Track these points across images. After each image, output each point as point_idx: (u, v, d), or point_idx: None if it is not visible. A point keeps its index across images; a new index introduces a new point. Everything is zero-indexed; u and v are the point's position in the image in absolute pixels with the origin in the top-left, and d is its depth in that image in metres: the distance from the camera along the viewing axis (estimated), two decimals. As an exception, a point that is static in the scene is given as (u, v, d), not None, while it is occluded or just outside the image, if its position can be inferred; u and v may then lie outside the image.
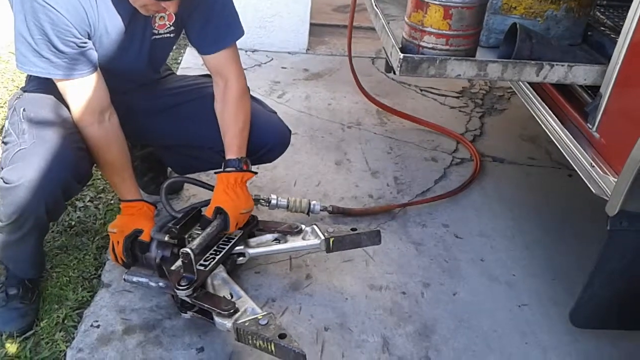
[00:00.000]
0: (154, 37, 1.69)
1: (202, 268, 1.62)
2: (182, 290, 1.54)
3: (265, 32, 3.59)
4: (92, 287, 1.80)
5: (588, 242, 2.06)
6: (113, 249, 1.73)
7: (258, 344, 1.40)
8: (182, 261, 1.57)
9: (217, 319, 1.49)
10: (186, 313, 1.62)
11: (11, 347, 1.58)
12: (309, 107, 3.02)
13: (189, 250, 1.55)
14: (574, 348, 1.71)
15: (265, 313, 1.46)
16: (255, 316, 1.45)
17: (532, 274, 1.98)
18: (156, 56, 1.80)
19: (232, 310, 1.48)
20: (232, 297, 1.58)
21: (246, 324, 1.43)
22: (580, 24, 1.77)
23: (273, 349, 1.37)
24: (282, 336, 1.36)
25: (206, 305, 1.52)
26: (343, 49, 3.73)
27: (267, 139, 1.88)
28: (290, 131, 1.96)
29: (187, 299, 1.56)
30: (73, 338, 1.61)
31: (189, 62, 3.38)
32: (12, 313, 1.66)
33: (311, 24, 3.70)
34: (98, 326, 1.65)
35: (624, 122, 1.46)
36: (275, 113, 1.99)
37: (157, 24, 1.66)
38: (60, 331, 1.64)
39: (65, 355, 1.56)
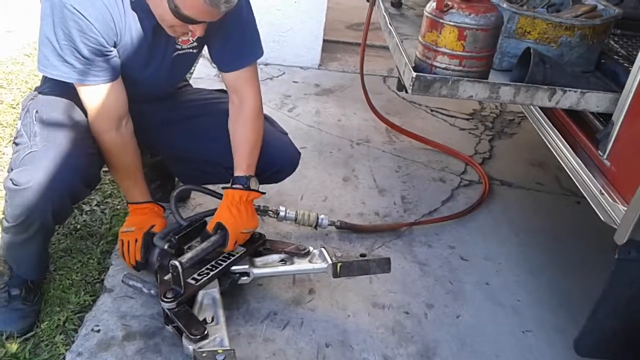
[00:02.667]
0: (176, 52, 1.70)
1: (192, 282, 1.61)
2: (166, 302, 1.54)
3: (279, 46, 3.62)
4: (95, 292, 1.79)
5: (594, 270, 2.03)
6: (127, 249, 1.73)
7: None
8: (171, 273, 1.56)
9: (184, 340, 1.48)
10: (168, 326, 1.61)
11: (11, 348, 1.57)
12: (318, 122, 3.03)
13: (177, 263, 1.54)
14: (577, 377, 1.69)
15: (228, 349, 1.43)
16: (216, 349, 1.42)
17: (537, 299, 1.97)
18: (177, 70, 1.83)
19: (199, 336, 1.46)
20: (212, 321, 1.55)
21: (203, 354, 1.40)
22: (594, 51, 1.78)
23: None
24: None
25: (179, 324, 1.51)
26: (355, 66, 3.75)
27: (276, 160, 1.88)
28: (299, 154, 1.96)
29: (168, 312, 1.55)
30: (73, 341, 1.61)
31: (202, 73, 3.40)
32: (14, 314, 1.66)
33: (324, 40, 3.73)
34: (98, 331, 1.64)
35: (635, 151, 1.45)
36: (287, 134, 1.99)
37: (180, 40, 1.68)
38: (60, 334, 1.63)
39: (64, 358, 1.56)
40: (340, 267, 1.73)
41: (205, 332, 1.47)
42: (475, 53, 1.53)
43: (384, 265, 1.79)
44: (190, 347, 1.44)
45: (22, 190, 1.47)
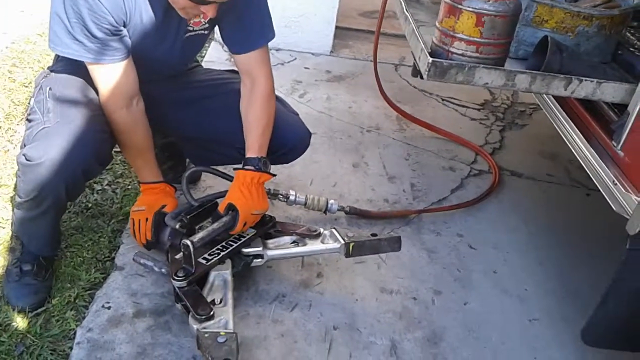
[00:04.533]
0: (188, 33, 1.70)
1: (203, 262, 1.62)
2: (177, 280, 1.55)
3: (291, 32, 3.61)
4: (105, 269, 1.81)
5: (603, 261, 2.03)
6: (138, 228, 1.74)
7: (207, 357, 1.37)
8: (182, 252, 1.58)
9: (190, 319, 1.49)
10: (178, 304, 1.62)
11: (22, 322, 1.59)
12: (329, 109, 3.02)
13: (189, 243, 1.56)
14: (582, 367, 1.70)
15: (230, 332, 1.43)
16: (219, 331, 1.43)
17: (544, 289, 1.97)
18: (188, 51, 1.82)
19: (204, 317, 1.46)
20: (220, 302, 1.56)
21: (206, 334, 1.41)
22: (611, 42, 1.76)
23: None
24: None
25: (187, 302, 1.52)
26: (367, 53, 3.74)
27: (287, 140, 1.88)
28: (310, 134, 1.96)
29: (178, 291, 1.56)
30: (84, 317, 1.63)
31: (213, 56, 3.40)
32: (25, 289, 1.67)
33: (337, 27, 3.71)
34: (109, 307, 1.66)
35: (650, 142, 1.45)
36: (297, 114, 1.99)
37: (192, 21, 1.67)
38: (71, 310, 1.65)
39: (75, 333, 1.57)
40: (352, 246, 1.74)
41: (211, 313, 1.48)
42: (492, 40, 1.52)
43: (395, 244, 1.81)
44: (195, 326, 1.45)
45: (35, 166, 1.48)
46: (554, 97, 1.92)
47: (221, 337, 1.39)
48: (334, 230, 1.79)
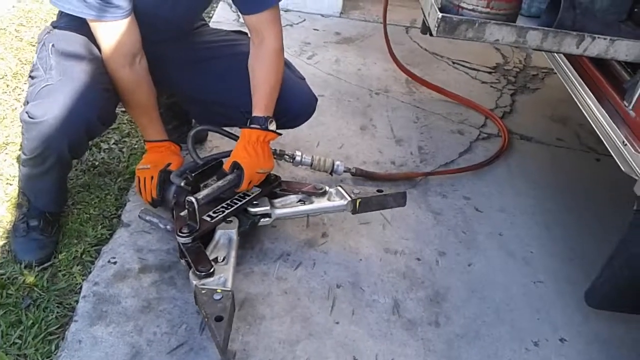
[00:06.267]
0: None
1: (208, 219, 1.63)
2: (182, 237, 1.56)
3: (300, -8, 3.55)
4: (112, 226, 1.82)
5: (609, 226, 2.03)
6: (143, 186, 1.75)
7: (202, 313, 1.38)
8: (187, 209, 1.58)
9: (190, 275, 1.49)
10: (182, 260, 1.63)
11: (29, 277, 1.61)
12: (337, 71, 2.98)
13: (193, 200, 1.55)
14: (585, 328, 1.70)
15: (227, 290, 1.42)
16: (216, 288, 1.42)
17: (549, 252, 1.96)
18: (193, 9, 1.79)
19: (204, 274, 1.46)
20: (223, 260, 1.56)
21: (203, 291, 1.41)
22: (627, -1, 1.71)
23: (208, 325, 1.35)
24: (219, 319, 1.33)
25: (189, 259, 1.52)
26: (377, 15, 3.67)
27: (294, 106, 1.85)
28: (316, 99, 1.94)
29: (182, 247, 1.57)
30: (90, 272, 1.64)
31: (221, 17, 3.36)
32: (32, 244, 1.69)
33: (347, -12, 3.65)
34: (115, 263, 1.67)
35: (663, 102, 1.42)
36: (304, 79, 1.96)
37: None
38: (77, 265, 1.67)
39: (81, 287, 1.59)
40: (359, 202, 1.75)
41: (211, 271, 1.48)
42: (503, -6, 1.48)
43: (400, 199, 1.81)
44: (194, 282, 1.46)
45: (38, 123, 1.48)
46: (566, 56, 1.88)
47: (217, 294, 1.40)
48: (339, 188, 1.78)
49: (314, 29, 3.44)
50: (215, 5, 3.46)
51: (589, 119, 1.67)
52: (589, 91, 1.70)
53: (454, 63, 3.23)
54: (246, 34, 1.98)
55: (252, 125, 1.72)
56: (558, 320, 1.71)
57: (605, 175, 2.39)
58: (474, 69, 3.19)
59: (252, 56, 1.77)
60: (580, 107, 1.73)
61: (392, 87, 2.90)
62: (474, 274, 1.83)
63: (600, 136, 1.59)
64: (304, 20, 3.53)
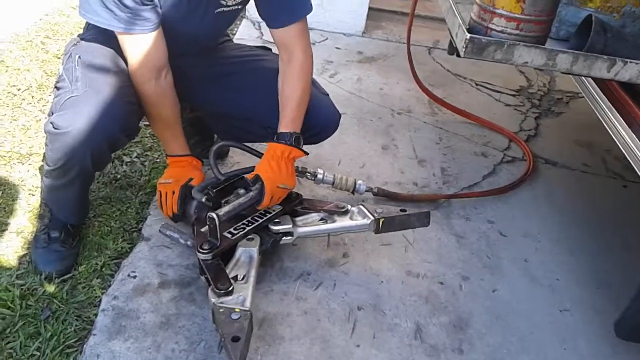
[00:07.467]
0: (220, 8, 1.67)
1: (228, 236, 1.61)
2: (202, 253, 1.54)
3: (323, 11, 3.56)
4: (132, 240, 1.81)
5: (637, 254, 1.98)
6: (165, 200, 1.74)
7: (219, 332, 1.35)
8: (208, 225, 1.57)
9: (209, 292, 1.47)
10: (202, 276, 1.61)
11: (49, 288, 1.61)
12: (359, 90, 2.98)
13: (214, 216, 1.54)
14: (613, 360, 1.65)
15: (246, 309, 1.40)
16: (234, 307, 1.40)
17: (576, 280, 1.91)
18: (219, 25, 1.79)
19: (223, 292, 1.44)
20: (242, 279, 1.54)
21: (220, 309, 1.39)
22: (660, 23, 1.68)
23: (225, 345, 1.32)
24: (235, 339, 1.30)
25: (209, 276, 1.50)
26: (400, 35, 3.68)
27: (317, 121, 1.84)
28: (340, 115, 1.93)
29: (202, 264, 1.55)
30: (109, 285, 1.63)
31: (244, 34, 3.38)
32: (53, 255, 1.69)
33: (369, 8, 3.65)
34: (135, 277, 1.66)
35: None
36: (327, 95, 1.95)
37: None
38: (97, 277, 1.66)
39: (100, 300, 1.58)
40: (382, 222, 1.72)
41: (230, 289, 1.46)
42: (534, 17, 1.46)
43: (424, 219, 1.78)
44: (212, 300, 1.44)
45: (62, 134, 1.48)
46: (595, 80, 1.85)
47: (235, 313, 1.37)
48: (362, 207, 1.76)
49: (336, 48, 3.45)
50: (238, 23, 3.49)
51: (618, 144, 1.64)
52: (618, 115, 1.67)
53: (477, 85, 3.21)
54: (270, 49, 1.98)
55: (279, 141, 1.71)
56: (585, 351, 1.66)
57: (633, 202, 2.34)
58: (497, 92, 3.16)
59: (281, 73, 1.77)
60: (609, 131, 1.70)
61: (415, 108, 2.88)
62: (498, 300, 1.79)
63: (630, 161, 1.56)
64: (327, 39, 3.54)
